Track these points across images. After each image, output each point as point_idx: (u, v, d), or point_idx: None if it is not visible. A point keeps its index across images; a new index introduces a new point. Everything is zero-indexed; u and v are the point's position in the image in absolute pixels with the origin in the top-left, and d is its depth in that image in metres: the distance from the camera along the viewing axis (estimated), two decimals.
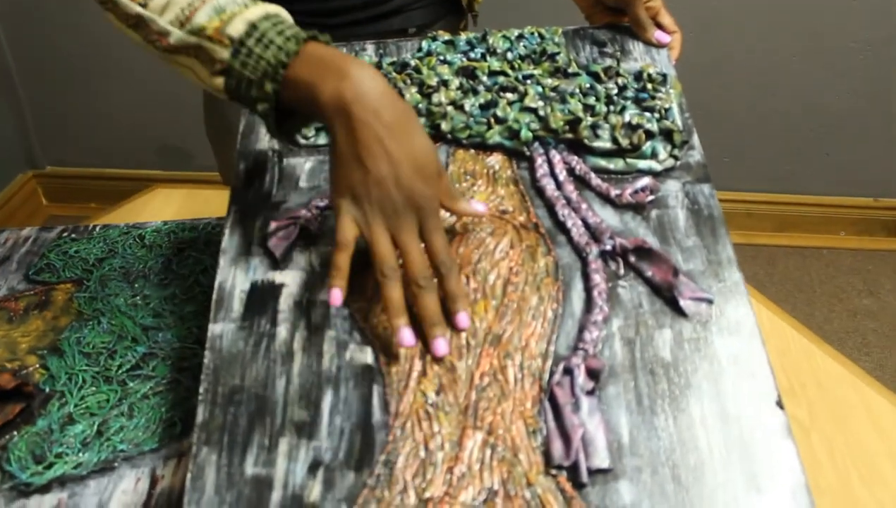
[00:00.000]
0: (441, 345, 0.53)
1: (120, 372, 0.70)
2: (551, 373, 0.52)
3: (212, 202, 0.93)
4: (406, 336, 0.52)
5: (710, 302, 0.55)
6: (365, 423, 0.51)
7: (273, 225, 0.60)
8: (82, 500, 0.59)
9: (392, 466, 0.49)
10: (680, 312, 0.55)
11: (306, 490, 0.48)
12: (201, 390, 0.52)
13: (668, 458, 0.49)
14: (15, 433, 0.65)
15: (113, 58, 1.85)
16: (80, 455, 0.62)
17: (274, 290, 0.57)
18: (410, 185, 0.53)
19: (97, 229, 0.89)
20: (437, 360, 0.53)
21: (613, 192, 0.61)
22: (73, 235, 0.87)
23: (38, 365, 0.71)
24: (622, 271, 0.57)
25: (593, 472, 0.48)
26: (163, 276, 0.80)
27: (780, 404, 0.52)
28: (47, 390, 0.69)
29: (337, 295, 0.53)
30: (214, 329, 0.55)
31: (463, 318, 0.54)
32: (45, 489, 0.60)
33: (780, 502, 0.48)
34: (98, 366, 0.70)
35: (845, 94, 1.76)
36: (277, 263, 0.58)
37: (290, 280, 0.58)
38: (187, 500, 0.48)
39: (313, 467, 0.49)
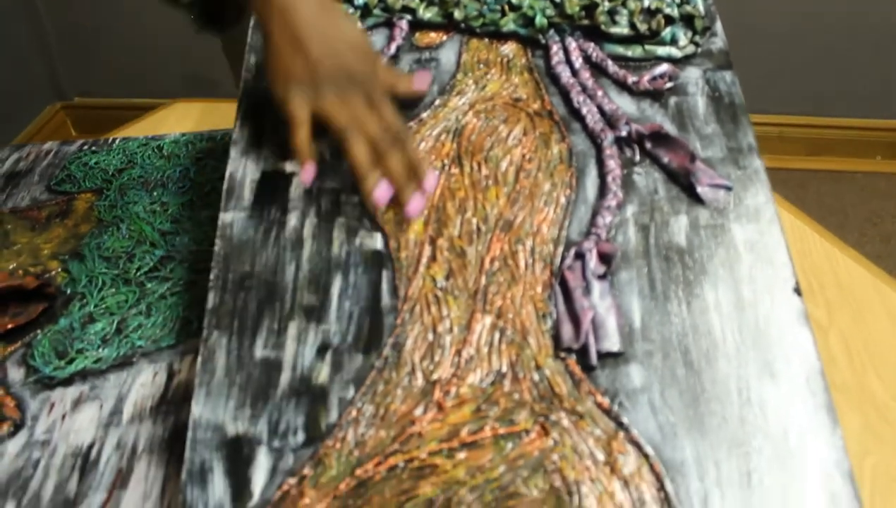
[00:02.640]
0: (416, 203, 0.53)
1: (138, 274, 0.70)
2: (563, 258, 0.51)
3: (229, 116, 0.92)
4: (382, 189, 0.52)
5: (728, 189, 0.54)
6: (374, 307, 0.50)
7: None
8: (103, 392, 0.60)
9: (400, 349, 0.49)
10: (697, 199, 0.54)
11: (315, 371, 0.48)
12: (212, 276, 0.52)
13: (681, 343, 0.48)
14: (38, 331, 0.66)
15: None
16: (101, 350, 0.63)
17: (284, 180, 0.57)
18: (349, 63, 0.55)
19: (116, 141, 0.89)
20: (447, 245, 0.52)
21: (631, 79, 0.59)
22: (93, 148, 0.88)
23: (59, 269, 0.72)
24: (638, 157, 0.56)
25: (603, 355, 0.48)
26: (181, 185, 0.80)
27: (797, 291, 0.51)
28: (69, 292, 0.69)
29: (309, 171, 0.55)
30: (225, 218, 0.55)
31: (430, 180, 0.54)
32: (67, 382, 0.61)
33: (793, 388, 0.47)
34: (117, 269, 0.71)
35: (886, 12, 1.71)
36: (288, 153, 0.58)
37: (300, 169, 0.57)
38: (198, 382, 0.49)
39: (322, 350, 0.49)
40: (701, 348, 0.48)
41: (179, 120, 0.99)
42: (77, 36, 1.98)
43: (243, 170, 0.58)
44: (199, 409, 0.48)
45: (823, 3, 1.73)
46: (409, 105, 0.60)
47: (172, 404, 0.58)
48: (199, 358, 0.49)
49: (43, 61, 2.02)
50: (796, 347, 0.48)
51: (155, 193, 0.80)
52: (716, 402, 0.46)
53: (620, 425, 0.46)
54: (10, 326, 0.65)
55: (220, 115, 0.96)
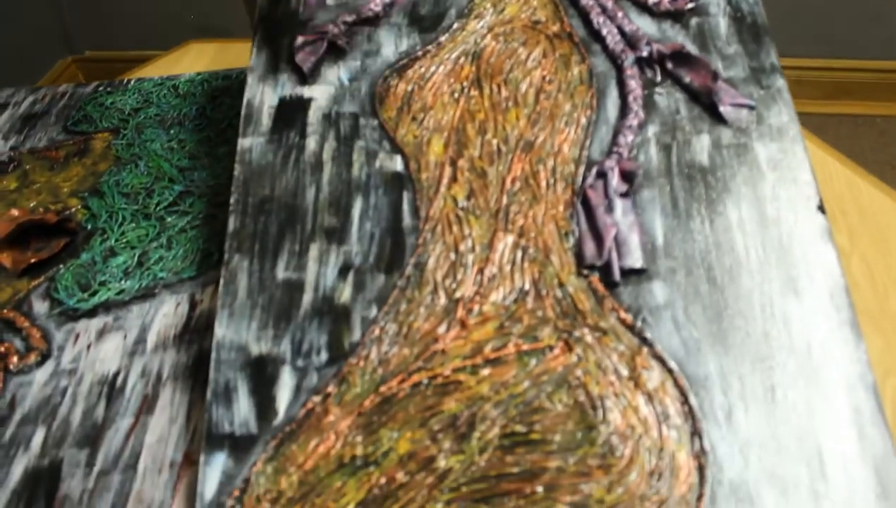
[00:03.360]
0: None
1: (158, 208, 0.70)
2: (584, 177, 0.51)
3: (244, 55, 0.92)
4: None
5: (751, 108, 0.53)
6: (395, 228, 0.50)
7: (300, 39, 0.59)
8: (126, 323, 0.60)
9: (422, 268, 0.49)
10: (719, 118, 0.53)
11: (337, 291, 0.48)
12: (232, 201, 0.52)
13: (704, 260, 0.48)
14: (61, 266, 0.66)
15: None
16: (123, 282, 0.63)
17: (302, 104, 0.56)
18: None
19: (132, 82, 0.88)
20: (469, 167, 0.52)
21: (651, 0, 0.58)
22: (109, 89, 0.88)
23: (79, 207, 0.72)
24: (659, 78, 0.55)
25: (626, 272, 0.48)
26: (198, 122, 0.80)
27: (821, 208, 0.50)
28: (89, 227, 0.69)
29: None
30: (244, 143, 0.55)
31: None
32: (91, 313, 0.61)
33: (817, 304, 0.47)
34: (137, 205, 0.71)
35: None
36: (305, 78, 0.57)
37: (318, 94, 0.57)
38: (220, 304, 0.49)
39: (344, 270, 0.49)
40: (724, 265, 0.48)
41: (194, 61, 0.99)
42: None
43: (261, 96, 0.57)
44: (222, 331, 0.48)
45: None
46: (426, 28, 0.60)
47: (195, 332, 0.58)
48: (221, 281, 0.50)
49: (53, 15, 2.01)
50: (820, 264, 0.48)
51: (172, 131, 0.79)
52: (739, 318, 0.46)
53: (644, 341, 0.46)
54: (32, 260, 0.66)
55: (235, 55, 0.95)
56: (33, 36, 2.00)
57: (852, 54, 1.83)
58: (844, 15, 1.79)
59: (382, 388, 0.45)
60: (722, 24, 0.58)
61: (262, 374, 0.46)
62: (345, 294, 0.48)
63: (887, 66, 1.84)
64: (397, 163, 0.53)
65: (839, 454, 0.43)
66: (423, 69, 0.57)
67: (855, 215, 0.67)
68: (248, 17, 0.97)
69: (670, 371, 0.45)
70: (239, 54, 0.94)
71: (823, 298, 0.47)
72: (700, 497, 0.41)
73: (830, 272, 0.48)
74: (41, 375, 0.57)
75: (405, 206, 0.51)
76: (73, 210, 0.72)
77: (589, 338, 0.46)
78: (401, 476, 0.42)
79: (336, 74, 0.58)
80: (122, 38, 2.07)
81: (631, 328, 0.46)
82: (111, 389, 0.55)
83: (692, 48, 0.56)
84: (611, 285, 0.47)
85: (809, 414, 0.44)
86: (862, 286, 0.60)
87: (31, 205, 0.72)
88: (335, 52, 0.59)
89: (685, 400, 0.44)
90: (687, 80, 0.54)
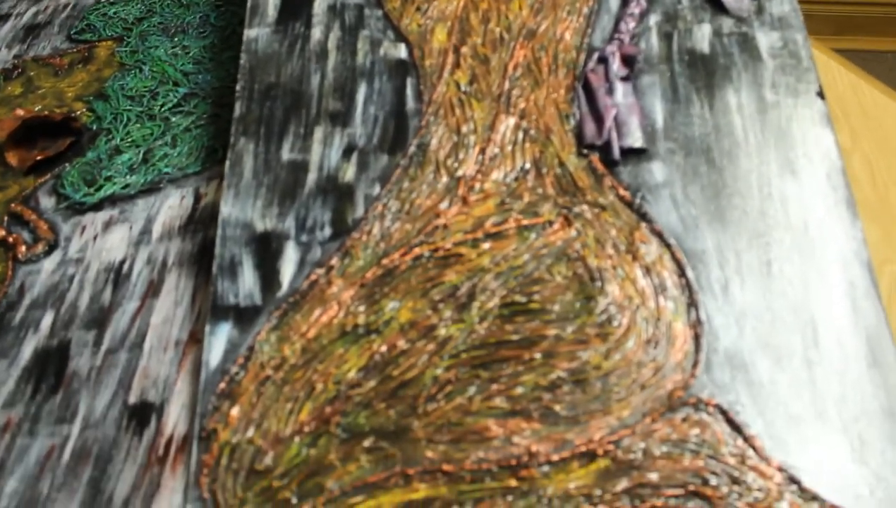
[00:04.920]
0: None
1: (163, 110, 0.70)
2: (585, 63, 0.51)
3: None
4: None
5: None
6: (398, 112, 0.51)
7: None
8: (132, 215, 0.61)
9: (425, 148, 0.49)
10: (720, 8, 0.53)
11: (341, 171, 0.49)
12: (238, 87, 0.53)
13: (703, 142, 0.49)
14: (67, 164, 0.66)
15: None
16: (128, 178, 0.64)
17: None
18: None
19: None
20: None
21: None
22: None
23: (84, 110, 0.73)
24: None
25: (626, 152, 0.48)
26: (201, 30, 0.80)
27: (820, 94, 0.51)
28: (95, 129, 0.70)
29: None
30: (249, 33, 0.55)
31: None
32: (97, 207, 0.62)
33: (814, 184, 0.47)
34: (141, 106, 0.71)
35: None
36: None
37: None
38: (226, 185, 0.49)
39: (347, 151, 0.50)
40: (723, 147, 0.48)
41: None
42: None
43: None
44: (227, 209, 0.49)
45: None
46: None
47: (200, 223, 0.59)
48: (227, 163, 0.50)
49: None
50: (818, 146, 0.49)
51: (176, 38, 0.79)
52: (737, 197, 0.47)
53: (643, 217, 0.46)
54: (38, 158, 0.66)
55: None
56: None
57: None
58: None
59: (384, 261, 0.46)
60: None
61: (266, 249, 0.47)
62: (348, 173, 0.49)
63: None
64: (401, 51, 0.53)
65: (833, 325, 0.44)
66: None
67: (858, 116, 0.67)
68: None
69: (668, 245, 0.45)
70: None
71: (820, 179, 0.48)
72: (695, 364, 0.42)
73: (828, 154, 0.48)
74: (49, 264, 0.58)
75: (409, 91, 0.52)
76: (79, 113, 0.72)
77: (588, 214, 0.46)
78: (402, 344, 0.43)
79: None
80: None
81: (630, 205, 0.47)
82: (117, 276, 0.56)
83: None
84: (611, 164, 0.48)
85: (804, 287, 0.44)
86: (862, 182, 0.61)
87: (37, 108, 0.73)
88: None
89: (682, 273, 0.45)
90: None
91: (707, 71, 0.51)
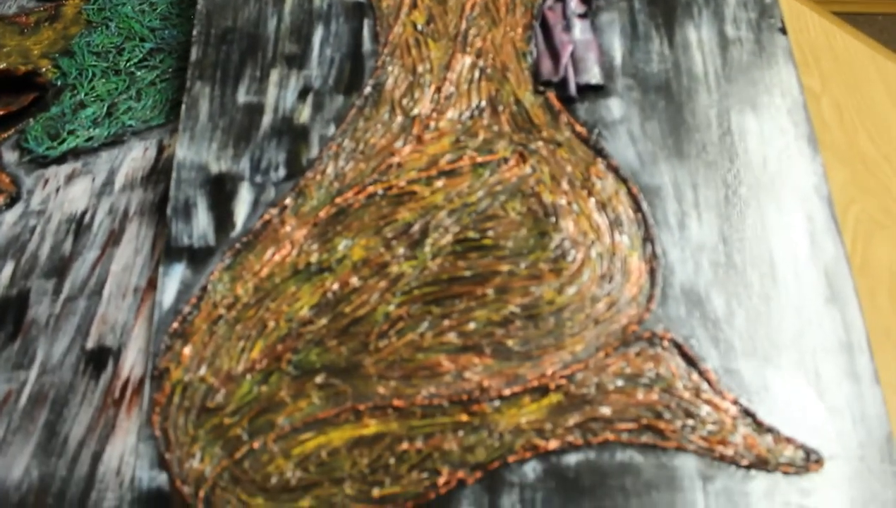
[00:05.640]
0: None
1: (128, 65, 0.70)
2: (543, 2, 0.51)
3: None
4: None
5: None
6: (354, 53, 0.50)
7: None
8: (95, 167, 0.60)
9: (380, 88, 0.49)
10: None
11: (296, 112, 0.48)
12: (194, 32, 0.52)
13: (662, 79, 0.48)
14: (31, 119, 0.66)
15: None
16: (92, 131, 0.63)
17: None
18: None
19: None
20: None
21: None
22: None
23: (50, 67, 0.72)
24: None
25: (583, 89, 0.48)
26: None
27: (782, 31, 0.50)
28: (59, 84, 0.69)
29: None
30: None
31: None
32: (60, 160, 0.61)
33: (775, 119, 0.47)
34: (107, 62, 0.70)
35: None
36: None
37: None
38: (181, 128, 0.49)
39: (303, 93, 0.49)
40: (682, 83, 0.48)
41: None
42: None
43: None
44: (182, 152, 0.48)
45: None
46: None
47: (163, 173, 0.58)
48: (183, 107, 0.50)
49: None
50: (779, 82, 0.48)
51: None
52: (695, 132, 0.46)
53: (599, 152, 0.46)
54: (1, 113, 0.65)
55: None
56: None
57: None
58: None
59: (338, 200, 0.45)
60: None
61: (221, 191, 0.47)
62: (303, 114, 0.48)
63: None
64: None
65: (791, 259, 0.43)
66: None
67: (828, 61, 0.66)
68: None
69: (624, 180, 0.45)
70: None
71: (781, 114, 0.47)
72: (651, 299, 0.42)
73: (789, 89, 0.48)
74: (10, 216, 0.57)
75: (365, 33, 0.51)
76: (44, 70, 0.72)
77: (543, 150, 0.46)
78: (354, 281, 0.43)
79: None
80: None
81: (586, 141, 0.46)
82: (79, 226, 0.56)
83: None
84: (567, 101, 0.47)
85: (762, 221, 0.44)
86: (831, 125, 0.60)
87: (1, 66, 0.72)
88: None
89: (638, 208, 0.44)
90: None
91: (667, 7, 0.50)
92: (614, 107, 0.47)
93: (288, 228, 0.45)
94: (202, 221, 0.46)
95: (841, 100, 0.62)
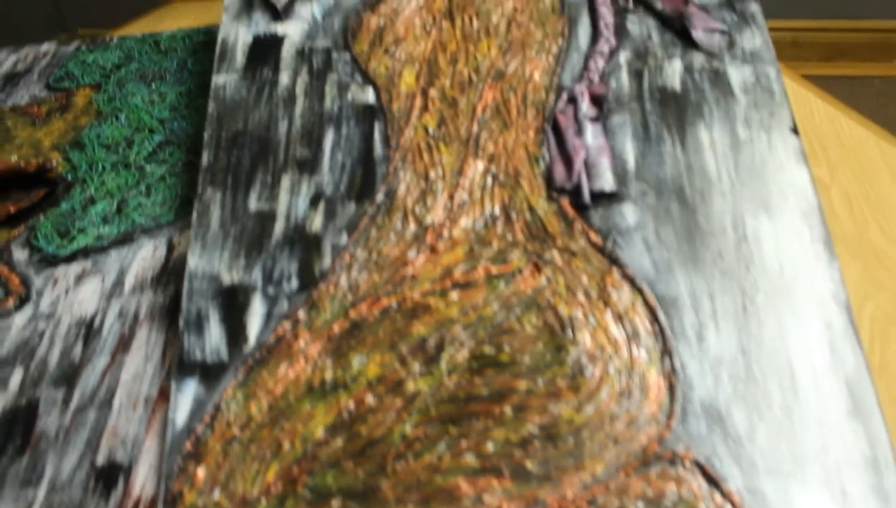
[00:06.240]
0: None
1: (138, 158, 0.70)
2: (555, 104, 0.51)
3: None
4: None
5: (723, 33, 0.53)
6: (366, 158, 0.50)
7: None
8: (105, 267, 0.60)
9: (392, 195, 0.48)
10: (691, 44, 0.53)
11: (308, 220, 0.48)
12: (205, 136, 0.52)
13: (675, 182, 0.48)
14: (41, 215, 0.66)
15: None
16: (101, 228, 0.63)
17: (276, 41, 0.56)
18: None
19: (114, 39, 0.88)
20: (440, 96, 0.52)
21: None
22: (91, 46, 0.87)
23: (60, 159, 0.72)
24: (631, 5, 0.55)
25: (597, 196, 0.48)
26: (178, 76, 0.80)
27: (794, 130, 0.50)
28: (70, 179, 0.69)
29: None
30: (217, 80, 0.55)
31: None
32: (69, 259, 0.61)
33: (790, 223, 0.47)
34: (117, 155, 0.71)
35: None
36: (279, 15, 0.57)
37: (292, 30, 0.56)
38: (193, 236, 0.49)
39: (315, 199, 0.49)
40: (696, 186, 0.48)
41: (177, 19, 0.98)
42: None
43: (235, 34, 0.57)
44: (194, 261, 0.48)
45: None
46: None
47: (173, 274, 0.58)
48: (194, 214, 0.50)
49: None
50: (793, 184, 0.48)
51: (153, 85, 0.79)
52: (710, 238, 0.46)
53: (614, 262, 0.45)
54: (12, 210, 0.65)
55: (216, 14, 0.95)
56: (26, 15, 1.99)
57: (849, 14, 1.82)
58: None
59: (352, 313, 0.45)
60: None
61: (233, 302, 0.46)
62: (316, 222, 0.48)
63: (884, 25, 1.82)
64: (369, 95, 0.53)
65: (810, 370, 0.43)
66: (395, 3, 0.56)
67: (835, 149, 0.66)
68: None
69: (640, 291, 0.44)
70: (220, 12, 0.93)
71: (796, 218, 0.47)
72: (670, 416, 0.41)
73: (803, 192, 0.47)
74: (20, 319, 0.57)
75: (376, 137, 0.51)
76: (55, 162, 0.72)
77: (559, 260, 0.45)
78: (370, 400, 0.42)
79: (309, 11, 0.57)
80: (114, 14, 2.06)
81: (601, 249, 0.46)
82: (88, 330, 0.56)
83: None
84: (581, 208, 0.47)
85: (781, 331, 0.43)
86: (841, 216, 0.60)
87: (13, 158, 0.72)
88: None
89: (655, 320, 0.44)
90: (659, 6, 0.54)
91: (678, 108, 0.50)
92: (628, 213, 0.47)
93: (301, 343, 0.44)
94: (215, 335, 0.45)
95: (850, 190, 0.62)
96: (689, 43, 0.53)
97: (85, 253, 0.62)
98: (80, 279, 0.59)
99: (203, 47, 0.84)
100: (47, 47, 0.88)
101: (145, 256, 0.60)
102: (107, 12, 2.05)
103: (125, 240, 0.62)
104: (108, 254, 0.61)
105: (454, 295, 0.45)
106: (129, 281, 0.59)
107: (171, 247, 0.61)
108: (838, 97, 1.83)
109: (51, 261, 0.61)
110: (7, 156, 0.73)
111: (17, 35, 1.98)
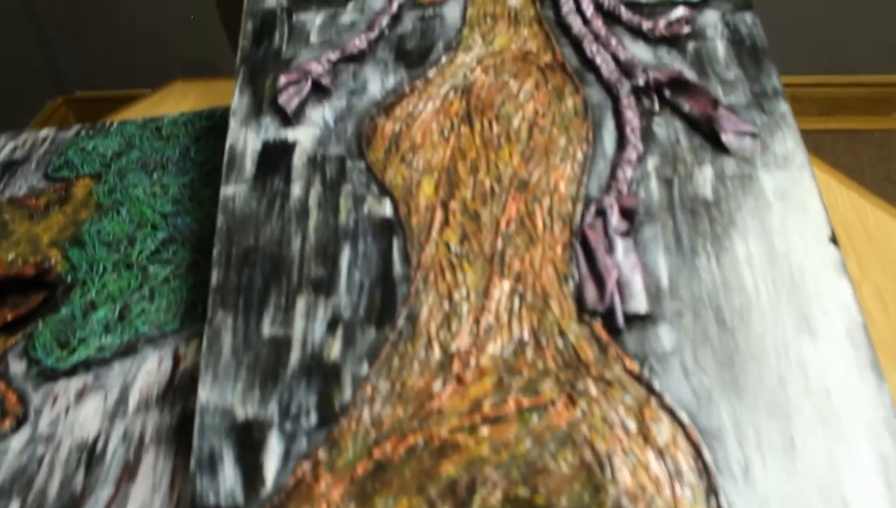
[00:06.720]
0: None
1: (140, 257, 0.67)
2: (582, 216, 0.48)
3: (229, 93, 0.90)
4: None
5: (754, 135, 0.51)
6: (385, 277, 0.48)
7: (283, 79, 0.56)
8: (107, 382, 0.57)
9: (415, 319, 0.46)
10: (721, 148, 0.51)
11: (326, 348, 0.46)
12: (214, 253, 0.50)
13: (711, 300, 0.46)
14: (39, 321, 0.63)
15: None
16: (103, 338, 0.61)
17: (287, 148, 0.54)
18: None
19: (114, 125, 0.86)
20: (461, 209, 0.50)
21: (646, 25, 0.56)
22: (91, 133, 0.85)
23: (59, 257, 0.69)
24: (657, 107, 0.53)
25: (630, 317, 0.45)
26: (181, 165, 0.78)
27: (833, 240, 0.48)
28: (69, 280, 0.67)
29: None
30: (226, 191, 0.52)
31: None
32: (70, 372, 0.58)
33: (834, 343, 0.44)
34: (118, 254, 0.68)
35: None
36: (289, 120, 0.55)
37: (303, 136, 0.54)
38: (204, 364, 0.46)
39: (332, 324, 0.46)
40: (733, 305, 0.45)
41: (178, 101, 0.96)
42: (76, 30, 1.96)
43: (244, 141, 0.55)
44: (206, 394, 0.45)
45: None
46: (414, 63, 0.57)
47: (179, 391, 0.55)
48: (205, 340, 0.47)
49: (43, 56, 2.00)
50: (835, 300, 0.45)
51: (155, 175, 0.77)
52: (752, 362, 0.44)
53: (652, 391, 0.43)
54: (10, 317, 0.63)
55: (219, 94, 0.93)
56: (24, 77, 1.98)
57: (847, 69, 1.82)
58: (837, 30, 1.77)
59: (376, 452, 0.42)
60: (720, 48, 0.55)
61: (248, 440, 0.43)
62: (334, 350, 0.45)
63: (883, 80, 1.82)
64: (386, 208, 0.50)
65: (866, 506, 0.40)
66: (410, 106, 0.54)
67: (863, 240, 0.64)
68: (233, 52, 0.95)
69: (681, 423, 0.42)
70: (224, 92, 0.92)
71: (840, 337, 0.44)
72: None
73: (846, 308, 0.45)
74: (17, 442, 0.54)
75: (395, 253, 0.48)
76: (53, 261, 0.69)
77: (593, 391, 0.43)
78: None
79: (321, 115, 0.55)
80: (112, 77, 2.05)
81: (638, 377, 0.43)
82: (90, 455, 0.53)
83: (690, 74, 0.54)
84: (614, 331, 0.44)
85: (832, 464, 0.41)
86: (875, 316, 0.58)
87: (10, 256, 0.70)
88: (319, 92, 0.56)
89: (699, 455, 0.41)
90: (686, 108, 0.52)
91: (711, 218, 0.48)
92: (664, 336, 0.44)
93: (323, 486, 0.41)
94: (229, 477, 0.42)
95: (881, 286, 0.60)
96: (718, 147, 0.50)
97: (86, 365, 0.59)
98: (81, 395, 0.57)
99: (206, 133, 0.82)
100: (46, 133, 0.86)
101: (150, 369, 0.58)
102: (105, 74, 2.04)
103: (128, 350, 0.59)
104: (110, 366, 0.58)
105: (484, 430, 0.42)
106: (134, 399, 0.56)
107: (176, 360, 0.58)
108: (839, 151, 1.82)
109: (50, 375, 0.58)
110: (4, 254, 0.70)
111: (16, 98, 1.97)
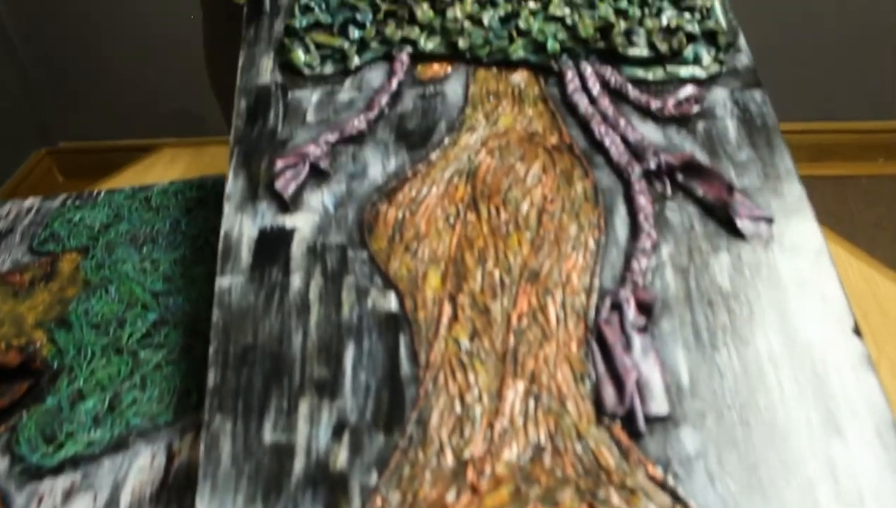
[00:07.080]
0: None
1: (130, 341, 0.65)
2: (597, 310, 0.46)
3: (219, 159, 0.88)
4: None
5: (769, 220, 0.49)
6: (392, 377, 0.45)
7: (280, 163, 0.54)
8: (97, 480, 0.54)
9: (425, 424, 0.44)
10: (737, 234, 0.49)
11: (331, 456, 0.43)
12: (211, 351, 0.47)
13: (735, 400, 0.44)
14: (24, 412, 0.60)
15: (119, 26, 1.79)
16: (92, 432, 0.58)
17: (285, 236, 0.52)
18: None
19: (102, 194, 0.84)
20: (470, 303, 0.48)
21: (654, 105, 0.55)
22: (77, 202, 0.83)
23: (45, 340, 0.67)
24: (669, 192, 0.51)
25: (651, 419, 0.43)
26: (171, 239, 0.76)
27: (857, 331, 0.46)
28: (56, 365, 0.64)
29: None
30: (222, 283, 0.50)
31: None
32: (56, 470, 0.56)
33: (864, 444, 0.42)
34: (107, 337, 0.66)
35: (883, 11, 1.67)
36: (287, 206, 0.53)
37: (301, 223, 0.52)
38: (202, 473, 0.44)
39: (338, 430, 0.44)
40: (757, 404, 0.43)
41: (167, 166, 0.94)
42: (60, 81, 1.95)
43: (239, 227, 0.53)
44: (204, 506, 0.42)
45: (820, 3, 1.70)
46: (415, 145, 0.55)
47: (174, 490, 0.53)
48: (202, 446, 0.44)
49: (27, 108, 1.98)
50: (861, 396, 0.44)
51: (145, 249, 0.75)
52: (779, 465, 0.42)
53: (677, 499, 0.41)
54: None
55: (210, 159, 0.91)
56: (7, 128, 1.96)
57: (834, 116, 1.82)
58: (825, 78, 1.78)
59: None
60: (730, 127, 0.54)
61: None
62: (340, 458, 0.43)
63: (870, 126, 1.83)
64: (391, 302, 0.48)
65: None
66: (413, 192, 0.52)
67: (877, 316, 0.62)
68: (225, 119, 0.93)
69: None
70: (214, 158, 0.90)
71: (870, 436, 0.42)
72: None
73: (875, 404, 0.43)
74: None
75: (402, 351, 0.46)
76: (39, 344, 0.67)
77: (616, 500, 0.40)
78: None
79: (320, 200, 0.53)
80: (97, 128, 2.03)
81: (661, 485, 0.41)
82: None
83: (702, 156, 0.52)
84: (635, 435, 0.42)
85: None
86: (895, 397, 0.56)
87: None
88: (318, 176, 0.55)
89: None
90: (700, 192, 0.50)
91: (730, 310, 0.46)
92: (687, 439, 0.42)
93: None
94: None
95: None
96: (734, 232, 0.49)
97: (74, 462, 0.56)
98: (68, 496, 0.54)
99: (197, 204, 0.80)
100: (31, 202, 0.84)
101: (142, 466, 0.55)
102: (90, 125, 2.02)
103: (119, 446, 0.57)
104: (100, 463, 0.56)
105: None
106: (125, 499, 0.53)
107: (171, 456, 0.56)
108: (827, 197, 1.81)
109: (35, 473, 0.56)
110: None
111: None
